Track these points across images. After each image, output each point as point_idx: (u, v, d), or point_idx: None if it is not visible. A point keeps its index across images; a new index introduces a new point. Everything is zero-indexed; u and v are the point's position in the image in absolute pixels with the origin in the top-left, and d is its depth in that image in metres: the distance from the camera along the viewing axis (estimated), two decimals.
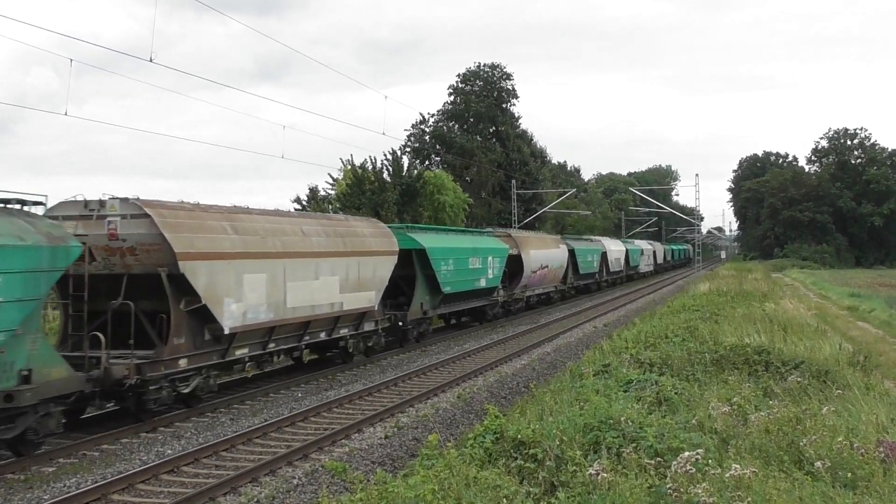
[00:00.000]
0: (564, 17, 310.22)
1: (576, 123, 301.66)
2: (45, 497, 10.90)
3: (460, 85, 74.69)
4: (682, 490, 6.86)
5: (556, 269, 41.97)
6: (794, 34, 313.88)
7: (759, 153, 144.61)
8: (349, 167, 47.64)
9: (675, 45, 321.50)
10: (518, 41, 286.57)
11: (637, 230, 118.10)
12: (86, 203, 14.77)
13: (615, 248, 63.10)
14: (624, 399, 11.28)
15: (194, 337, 15.38)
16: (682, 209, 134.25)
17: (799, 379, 12.71)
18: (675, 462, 7.45)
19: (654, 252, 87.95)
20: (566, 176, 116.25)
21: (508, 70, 76.10)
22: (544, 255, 39.69)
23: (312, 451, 13.28)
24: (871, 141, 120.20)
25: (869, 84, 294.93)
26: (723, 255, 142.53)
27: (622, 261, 64.94)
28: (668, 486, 7.04)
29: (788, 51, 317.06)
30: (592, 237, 62.02)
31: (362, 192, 43.46)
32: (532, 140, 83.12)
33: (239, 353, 16.74)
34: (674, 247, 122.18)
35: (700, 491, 6.68)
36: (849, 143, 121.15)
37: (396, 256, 23.31)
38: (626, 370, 14.23)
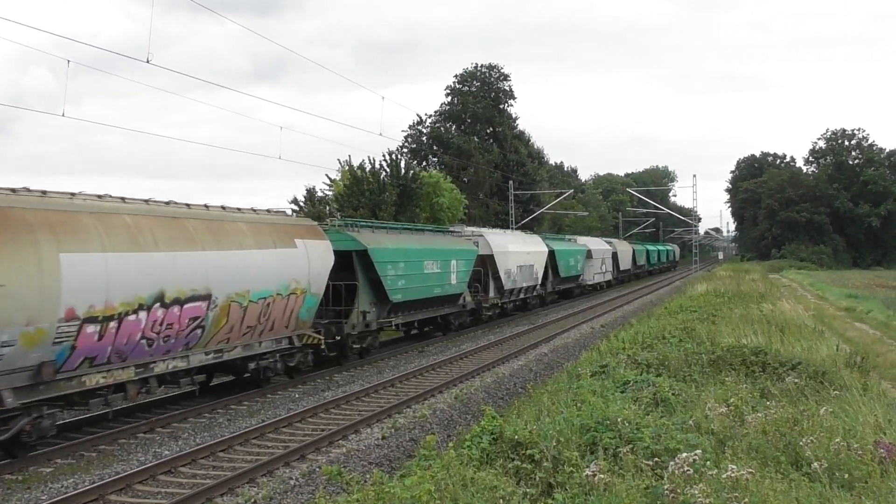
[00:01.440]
0: (562, 18, 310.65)
1: (573, 124, 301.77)
2: (43, 497, 10.90)
3: (457, 85, 74.68)
4: (678, 491, 6.86)
5: (268, 301, 17.54)
6: (792, 34, 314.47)
7: (757, 154, 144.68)
8: (347, 168, 47.63)
9: (672, 46, 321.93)
10: (515, 41, 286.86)
11: (634, 231, 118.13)
12: None
13: (520, 250, 37.26)
14: (621, 400, 11.28)
15: None
16: (680, 210, 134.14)
17: (796, 380, 12.71)
18: (672, 463, 7.45)
19: (615, 254, 65.19)
20: (563, 176, 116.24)
21: (506, 71, 76.23)
22: (203, 262, 15.59)
23: (310, 451, 13.28)
24: (869, 142, 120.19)
25: (867, 85, 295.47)
26: (720, 255, 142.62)
27: (538, 271, 39.59)
28: (664, 486, 7.04)
29: (786, 51, 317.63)
30: (467, 228, 36.30)
31: (361, 192, 43.43)
32: (529, 141, 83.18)
33: None
34: (650, 247, 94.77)
35: (697, 492, 6.68)
36: (846, 143, 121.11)
37: None
38: (623, 371, 14.23)
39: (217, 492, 11.09)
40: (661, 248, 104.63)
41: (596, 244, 58.94)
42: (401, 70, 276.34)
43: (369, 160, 46.61)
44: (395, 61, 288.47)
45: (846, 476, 7.81)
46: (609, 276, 62.08)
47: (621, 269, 67.73)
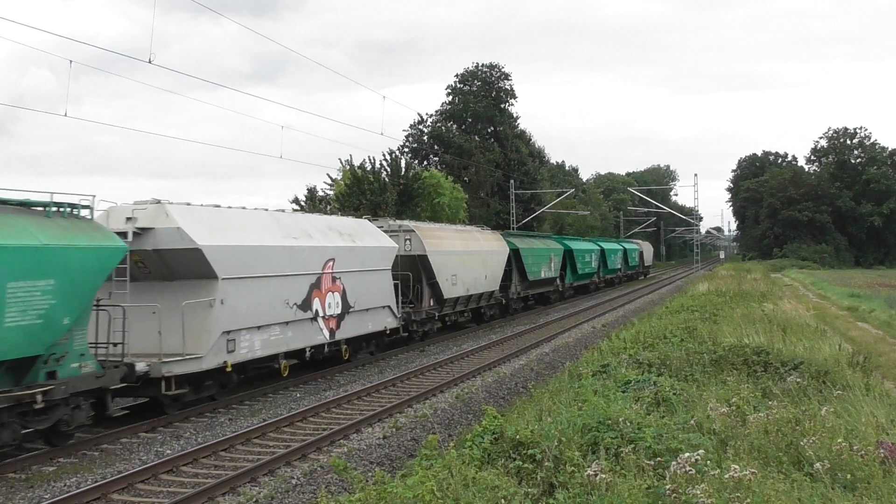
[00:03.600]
0: (562, 17, 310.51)
1: (574, 123, 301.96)
2: (46, 496, 10.92)
3: (458, 85, 74.75)
4: (680, 491, 6.84)
5: None
6: (794, 33, 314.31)
7: (759, 153, 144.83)
8: (348, 167, 47.67)
9: (673, 45, 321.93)
10: (515, 41, 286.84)
11: (635, 230, 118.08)
12: None
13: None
14: (622, 399, 11.25)
15: None
16: (681, 209, 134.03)
17: (798, 380, 12.67)
18: (673, 463, 7.43)
19: (480, 256, 31.98)
20: (564, 176, 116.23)
21: (506, 70, 76.28)
22: None
23: (311, 451, 13.29)
24: (871, 140, 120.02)
25: (869, 83, 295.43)
26: (722, 255, 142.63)
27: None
28: (666, 486, 7.03)
29: (788, 50, 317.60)
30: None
31: (362, 192, 43.43)
32: (530, 140, 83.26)
33: None
34: (581, 245, 53.07)
35: (699, 492, 6.67)
36: (848, 142, 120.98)
37: None
38: (624, 370, 14.19)
39: (219, 491, 11.10)
40: (611, 246, 62.94)
41: (351, 231, 22.95)
42: (401, 70, 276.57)
43: (370, 160, 46.66)
44: (395, 61, 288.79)
45: (848, 477, 7.78)
46: (424, 314, 27.43)
47: (485, 290, 32.79)
